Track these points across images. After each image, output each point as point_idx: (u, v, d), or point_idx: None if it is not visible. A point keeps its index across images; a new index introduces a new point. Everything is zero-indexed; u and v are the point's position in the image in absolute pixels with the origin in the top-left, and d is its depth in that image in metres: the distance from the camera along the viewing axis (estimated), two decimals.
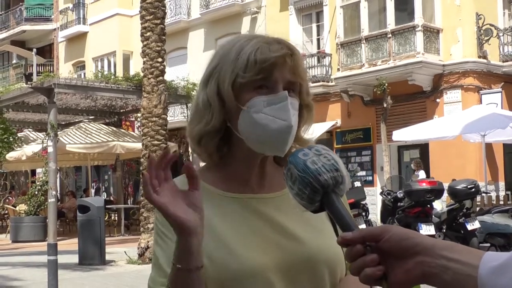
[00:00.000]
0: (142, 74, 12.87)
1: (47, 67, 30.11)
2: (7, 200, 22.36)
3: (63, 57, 30.49)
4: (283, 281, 1.27)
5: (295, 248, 1.29)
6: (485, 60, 17.42)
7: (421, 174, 16.32)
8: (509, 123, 13.28)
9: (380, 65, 17.54)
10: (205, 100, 1.33)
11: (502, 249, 11.48)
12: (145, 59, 12.35)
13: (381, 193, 13.28)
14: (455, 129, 13.90)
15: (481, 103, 16.39)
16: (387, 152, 17.25)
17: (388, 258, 0.89)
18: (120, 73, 22.78)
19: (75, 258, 11.66)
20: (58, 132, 16.24)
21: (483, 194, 12.97)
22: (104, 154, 19.47)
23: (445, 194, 11.89)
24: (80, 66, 29.64)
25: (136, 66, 22.44)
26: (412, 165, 17.63)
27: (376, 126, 18.48)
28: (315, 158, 1.00)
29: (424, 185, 11.47)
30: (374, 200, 17.55)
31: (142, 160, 12.35)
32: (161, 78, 12.31)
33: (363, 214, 13.12)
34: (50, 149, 15.11)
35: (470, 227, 10.91)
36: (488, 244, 11.67)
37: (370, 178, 18.64)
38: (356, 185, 12.78)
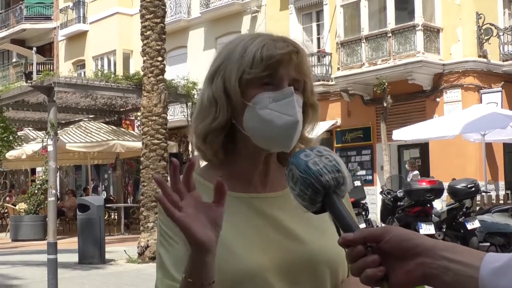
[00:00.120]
0: (142, 73, 12.87)
1: (47, 66, 30.11)
2: (7, 199, 22.38)
3: (63, 55, 30.48)
4: (283, 282, 1.26)
5: (296, 248, 1.29)
6: (485, 60, 17.42)
7: (415, 174, 16.32)
8: (509, 123, 13.28)
9: (380, 64, 17.53)
10: (211, 97, 1.33)
11: (502, 248, 11.48)
12: (145, 58, 12.34)
13: (381, 193, 13.29)
14: (455, 128, 13.89)
15: (481, 102, 16.39)
16: (387, 152, 17.25)
17: (389, 259, 0.89)
18: (120, 72, 22.75)
19: (75, 257, 11.66)
20: (58, 131, 16.23)
21: (483, 194, 12.97)
22: (104, 153, 19.47)
23: (445, 194, 11.89)
24: (80, 65, 29.63)
25: (136, 65, 22.44)
26: (406, 165, 17.65)
27: (376, 125, 18.48)
28: (317, 159, 1.00)
29: (424, 185, 11.47)
30: (374, 200, 17.55)
31: (142, 159, 12.35)
32: (161, 77, 12.31)
33: (363, 213, 13.14)
34: (50, 148, 15.10)
35: (470, 226, 10.91)
36: (488, 244, 11.67)
37: (370, 177, 18.65)
38: (356, 184, 12.79)
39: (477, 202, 12.53)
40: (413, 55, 17.02)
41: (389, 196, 12.54)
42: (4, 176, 25.60)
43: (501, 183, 17.09)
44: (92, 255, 11.59)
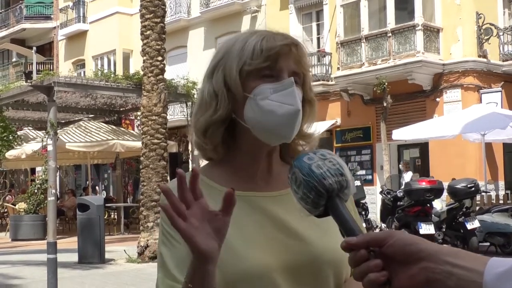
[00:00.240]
0: (142, 73, 12.87)
1: (47, 66, 30.10)
2: (6, 199, 22.37)
3: (63, 55, 30.48)
4: (288, 281, 1.26)
5: (301, 248, 1.28)
6: (485, 59, 17.41)
7: (408, 175, 16.35)
8: (509, 123, 13.28)
9: (380, 64, 17.53)
10: (211, 91, 1.33)
11: (502, 248, 11.49)
12: (145, 57, 12.34)
13: (381, 192, 13.30)
14: (455, 128, 13.90)
15: (481, 102, 16.39)
16: (387, 151, 17.25)
17: (392, 263, 0.88)
18: (120, 71, 22.75)
19: (74, 257, 11.65)
20: (58, 131, 16.23)
21: (483, 193, 12.98)
22: (104, 152, 19.47)
23: (445, 193, 11.89)
24: (80, 65, 29.62)
25: (136, 64, 22.43)
26: (400, 165, 17.66)
27: (376, 125, 18.48)
28: (320, 162, 1.00)
29: (424, 184, 11.47)
30: (373, 199, 17.56)
31: (142, 158, 12.34)
32: (161, 76, 12.31)
33: (363, 213, 13.14)
34: (49, 148, 15.10)
35: (469, 226, 10.91)
36: (488, 243, 11.68)
37: (370, 177, 18.64)
38: (356, 184, 12.78)
39: (477, 202, 12.54)
40: (413, 55, 17.02)
41: (389, 196, 12.55)
42: (4, 175, 25.61)
43: (501, 183, 17.10)
44: (91, 255, 11.59)
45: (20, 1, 32.27)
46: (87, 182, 22.15)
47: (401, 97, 17.55)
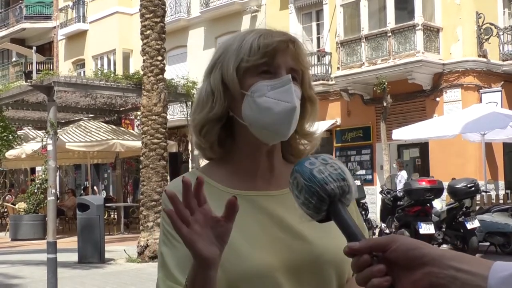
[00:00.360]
0: (142, 72, 12.87)
1: (46, 65, 30.10)
2: (6, 198, 22.37)
3: (62, 55, 30.48)
4: (290, 281, 1.26)
5: (303, 247, 1.28)
6: (485, 59, 17.41)
7: (403, 174, 16.36)
8: (509, 122, 13.27)
9: (380, 64, 17.53)
10: (208, 90, 1.34)
11: (502, 248, 11.50)
12: (145, 57, 12.34)
13: (381, 192, 13.29)
14: (455, 128, 13.90)
15: (481, 102, 16.39)
16: (387, 151, 17.25)
17: (395, 268, 0.88)
18: (120, 71, 22.76)
19: (74, 257, 11.66)
20: (58, 130, 16.22)
21: (483, 193, 12.98)
22: (103, 152, 19.46)
23: (445, 193, 11.89)
24: (80, 64, 29.62)
25: (136, 64, 22.43)
26: (394, 164, 17.66)
27: (376, 125, 18.48)
28: (322, 167, 0.99)
29: (424, 184, 11.46)
30: (373, 199, 17.56)
31: (141, 158, 12.34)
32: (160, 76, 12.31)
33: (363, 213, 13.12)
34: (49, 147, 15.09)
35: (469, 226, 10.90)
36: (488, 243, 11.69)
37: (370, 177, 18.65)
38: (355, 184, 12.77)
39: (477, 202, 12.54)
40: (413, 55, 17.02)
41: (388, 195, 12.55)
42: (3, 175, 25.60)
43: (501, 183, 17.10)
44: (91, 255, 11.59)
45: (20, 1, 32.27)
46: (86, 182, 22.13)
47: (401, 97, 17.55)
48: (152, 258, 11.22)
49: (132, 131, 20.72)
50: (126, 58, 27.16)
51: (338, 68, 18.52)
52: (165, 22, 12.75)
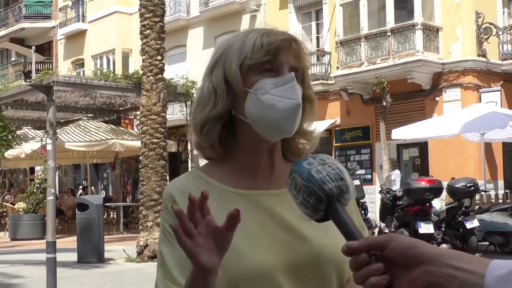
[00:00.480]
0: (141, 72, 12.86)
1: (46, 65, 30.10)
2: (5, 198, 22.36)
3: (62, 54, 30.47)
4: (290, 281, 1.26)
5: (303, 247, 1.28)
6: (484, 59, 17.42)
7: (396, 173, 16.35)
8: (509, 122, 13.28)
9: (379, 63, 17.53)
10: (210, 88, 1.34)
11: (501, 248, 11.50)
12: (144, 57, 12.33)
13: (380, 192, 13.28)
14: (454, 127, 13.90)
15: (480, 101, 16.40)
16: (386, 151, 17.26)
17: (393, 267, 0.88)
18: (119, 71, 22.76)
19: (74, 256, 11.65)
20: (57, 130, 16.22)
21: (482, 193, 12.98)
22: (103, 152, 19.47)
23: (444, 193, 11.88)
24: (79, 64, 29.61)
25: (135, 64, 22.42)
26: (387, 164, 17.65)
27: (376, 124, 18.48)
28: (320, 167, 0.99)
29: (423, 184, 11.46)
30: (373, 199, 17.56)
31: (141, 158, 12.34)
32: (160, 76, 12.30)
33: (362, 212, 13.13)
34: (49, 147, 15.09)
35: (469, 225, 10.90)
36: (487, 243, 11.69)
37: (369, 176, 18.65)
38: (355, 184, 12.76)
39: (476, 201, 12.54)
40: (412, 54, 17.02)
41: (388, 195, 12.54)
42: (3, 175, 25.60)
43: (500, 182, 17.11)
44: (91, 254, 11.58)
45: (19, 1, 32.26)
46: (84, 182, 22.12)
47: (400, 96, 17.56)
48: (152, 258, 11.22)
49: (131, 130, 20.72)
50: (125, 57, 27.16)
51: (338, 68, 18.52)
52: (164, 21, 12.74)
